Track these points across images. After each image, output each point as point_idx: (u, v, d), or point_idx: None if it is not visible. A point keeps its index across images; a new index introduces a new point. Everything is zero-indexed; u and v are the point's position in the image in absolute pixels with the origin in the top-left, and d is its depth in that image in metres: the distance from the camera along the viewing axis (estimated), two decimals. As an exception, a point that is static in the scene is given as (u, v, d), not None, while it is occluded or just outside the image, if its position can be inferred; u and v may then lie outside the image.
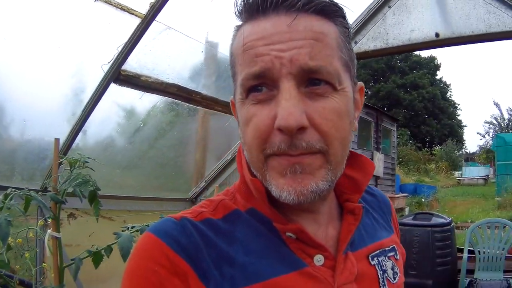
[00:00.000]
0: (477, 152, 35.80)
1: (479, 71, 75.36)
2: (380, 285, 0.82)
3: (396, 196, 14.63)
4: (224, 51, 3.21)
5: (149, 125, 3.26)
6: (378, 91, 34.66)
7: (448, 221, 5.66)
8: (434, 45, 3.09)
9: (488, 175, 24.29)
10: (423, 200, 15.85)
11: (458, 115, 41.48)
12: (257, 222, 0.77)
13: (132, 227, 1.90)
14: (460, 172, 26.44)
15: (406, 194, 16.31)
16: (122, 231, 1.84)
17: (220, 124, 3.65)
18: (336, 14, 0.74)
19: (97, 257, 1.84)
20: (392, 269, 0.87)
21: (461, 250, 5.43)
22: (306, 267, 0.74)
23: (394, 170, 17.94)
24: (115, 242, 1.75)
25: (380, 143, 16.34)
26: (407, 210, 13.71)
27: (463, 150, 39.11)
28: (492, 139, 30.38)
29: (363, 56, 3.23)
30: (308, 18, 0.70)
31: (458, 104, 41.61)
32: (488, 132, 33.75)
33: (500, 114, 33.14)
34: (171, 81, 2.80)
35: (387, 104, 33.35)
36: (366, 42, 3.16)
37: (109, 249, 1.85)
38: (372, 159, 14.66)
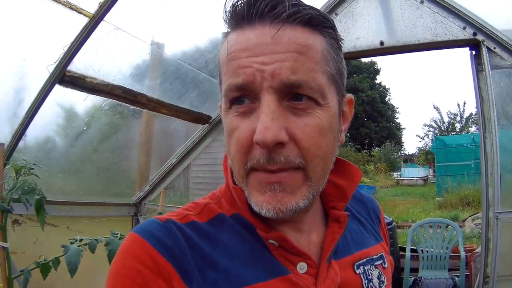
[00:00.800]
0: (416, 153, 36.62)
1: (419, 76, 77.70)
2: None
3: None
4: (170, 52, 3.17)
5: (92, 128, 3.17)
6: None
7: (389, 220, 5.69)
8: (378, 52, 3.18)
9: (427, 176, 25.00)
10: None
11: (397, 118, 42.54)
12: (241, 227, 0.77)
13: (81, 240, 1.89)
14: (399, 173, 26.91)
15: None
16: (71, 243, 1.84)
17: (164, 127, 3.61)
18: (324, 25, 0.72)
19: (45, 268, 1.84)
20: (379, 278, 0.86)
21: (403, 249, 5.52)
22: (288, 274, 0.74)
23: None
24: (63, 255, 1.75)
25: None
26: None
27: (402, 152, 40.00)
28: (431, 141, 31.45)
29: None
30: (293, 29, 0.68)
31: (397, 108, 42.89)
32: (427, 134, 34.73)
33: (440, 117, 34.07)
34: (116, 82, 2.73)
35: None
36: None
37: (57, 262, 1.86)
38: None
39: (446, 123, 33.86)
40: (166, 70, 3.20)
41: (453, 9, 2.77)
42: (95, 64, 2.69)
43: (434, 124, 34.41)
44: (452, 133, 30.74)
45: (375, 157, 30.21)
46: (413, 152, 39.49)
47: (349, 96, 0.82)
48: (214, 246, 0.73)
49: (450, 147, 18.41)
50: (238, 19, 0.71)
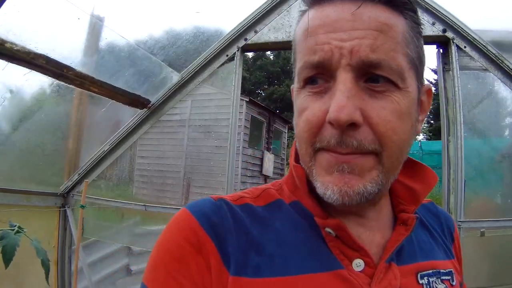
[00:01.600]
0: None
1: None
2: None
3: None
4: (110, 26, 2.79)
5: (12, 102, 2.73)
6: (272, 94, 35.22)
7: None
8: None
9: None
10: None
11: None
12: (298, 215, 0.75)
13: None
14: None
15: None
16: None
17: (98, 109, 3.19)
18: (406, 7, 0.69)
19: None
20: None
21: None
22: (341, 269, 0.70)
23: (283, 170, 18.25)
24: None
25: (271, 143, 16.56)
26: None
27: None
28: None
29: (262, 47, 2.98)
30: (374, 7, 0.66)
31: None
32: None
33: None
34: (39, 51, 2.31)
35: (280, 107, 33.89)
36: (267, 33, 2.91)
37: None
38: (262, 158, 14.95)
39: None
40: (102, 45, 2.83)
41: (422, 2, 2.55)
42: (15, 27, 2.27)
43: None
44: None
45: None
46: None
47: (428, 85, 0.78)
48: (265, 230, 0.71)
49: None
50: None
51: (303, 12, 0.73)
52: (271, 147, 16.56)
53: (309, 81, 0.69)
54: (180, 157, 3.39)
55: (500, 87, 2.51)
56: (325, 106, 0.65)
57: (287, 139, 19.61)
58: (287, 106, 35.36)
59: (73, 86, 2.54)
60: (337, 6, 0.67)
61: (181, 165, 3.33)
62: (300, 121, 0.69)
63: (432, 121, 30.33)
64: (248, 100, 13.69)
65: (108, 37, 2.81)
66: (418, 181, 0.80)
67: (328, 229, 0.71)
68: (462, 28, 2.48)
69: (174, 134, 3.38)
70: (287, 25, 2.88)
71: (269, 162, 15.50)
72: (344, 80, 0.64)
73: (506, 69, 2.45)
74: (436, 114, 28.92)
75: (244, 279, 0.66)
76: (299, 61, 0.70)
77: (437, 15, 2.53)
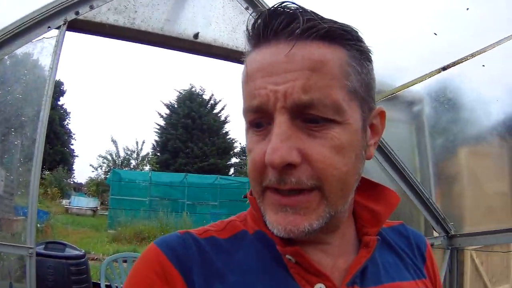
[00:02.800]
0: (86, 183, 35.86)
1: (101, 106, 78.03)
2: None
3: (15, 218, 12.98)
4: None
5: None
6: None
7: (82, 253, 5.56)
8: (189, 47, 2.56)
9: (97, 207, 24.89)
10: (38, 225, 14.46)
11: (72, 144, 41.72)
12: (261, 244, 0.77)
13: None
14: (68, 201, 26.10)
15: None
16: None
17: None
18: (344, 38, 0.70)
19: None
20: None
21: (97, 285, 5.26)
22: None
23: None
24: None
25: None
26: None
27: (72, 180, 39.22)
28: (104, 173, 31.97)
29: (97, 28, 2.37)
30: (308, 45, 0.68)
31: (74, 134, 41.99)
32: (101, 166, 34.65)
33: (116, 151, 34.74)
34: None
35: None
36: (106, 13, 2.34)
37: None
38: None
39: (122, 158, 34.77)
40: None
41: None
42: None
43: (109, 157, 34.85)
44: (126, 169, 31.72)
45: (46, 181, 27.96)
46: (83, 181, 38.87)
47: (380, 108, 0.80)
48: (229, 261, 0.74)
49: (127, 182, 19.29)
50: (256, 38, 0.71)
51: (247, 54, 0.74)
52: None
53: (253, 124, 0.71)
54: None
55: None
56: (266, 147, 0.67)
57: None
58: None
59: None
60: (272, 48, 0.68)
61: None
62: (249, 161, 0.72)
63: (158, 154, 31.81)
64: None
65: None
66: (380, 203, 0.83)
67: (288, 256, 0.73)
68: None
69: None
70: (131, 9, 2.38)
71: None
72: (279, 123, 0.66)
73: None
74: (162, 147, 30.51)
75: None
76: (243, 104, 0.72)
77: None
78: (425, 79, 2.26)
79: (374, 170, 2.74)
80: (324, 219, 0.69)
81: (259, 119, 0.70)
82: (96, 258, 9.39)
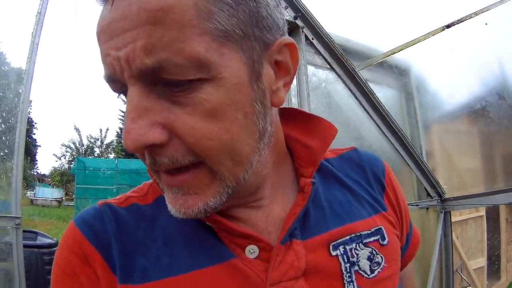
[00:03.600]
0: (50, 173, 35.51)
1: (62, 94, 76.39)
2: (345, 281, 0.66)
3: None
4: None
5: None
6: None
7: (54, 241, 5.31)
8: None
9: (62, 198, 24.69)
10: (4, 218, 14.28)
11: (34, 134, 40.87)
12: None
13: None
14: (33, 192, 25.86)
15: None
16: None
17: None
18: None
19: None
20: (370, 259, 0.70)
21: None
22: (233, 258, 0.64)
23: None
24: None
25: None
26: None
27: (36, 170, 38.68)
28: (68, 162, 31.44)
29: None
30: None
31: (36, 123, 41.03)
32: (64, 155, 34.40)
33: (79, 140, 34.51)
34: None
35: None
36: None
37: None
38: None
39: (85, 146, 34.56)
40: None
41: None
42: None
43: (72, 145, 34.47)
44: (91, 157, 31.45)
45: (9, 172, 27.35)
46: (46, 171, 38.56)
47: (284, 40, 0.62)
48: (151, 230, 0.67)
49: (92, 170, 18.85)
50: None
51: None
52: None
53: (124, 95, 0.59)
54: None
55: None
56: None
57: None
58: None
59: None
60: (109, 2, 0.54)
61: None
62: None
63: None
64: None
65: None
66: (315, 137, 0.72)
67: (208, 223, 0.65)
68: (313, 20, 2.34)
69: None
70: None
71: None
72: (130, 97, 0.54)
73: (349, 67, 2.44)
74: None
75: (131, 286, 0.62)
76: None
77: (291, 1, 2.33)
78: (429, 37, 2.16)
79: (372, 131, 2.69)
80: (224, 194, 0.59)
81: (120, 89, 0.58)
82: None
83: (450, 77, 2.66)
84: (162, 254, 0.64)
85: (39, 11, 1.95)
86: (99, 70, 0.59)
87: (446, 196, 3.11)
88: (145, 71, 0.51)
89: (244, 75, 0.57)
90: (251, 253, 0.63)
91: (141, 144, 0.52)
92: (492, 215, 5.92)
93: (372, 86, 2.55)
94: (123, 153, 29.79)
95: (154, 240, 0.65)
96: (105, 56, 0.54)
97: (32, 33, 1.94)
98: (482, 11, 1.86)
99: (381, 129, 2.66)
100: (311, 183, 0.68)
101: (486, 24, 1.95)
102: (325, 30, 2.38)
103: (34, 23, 1.95)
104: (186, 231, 0.65)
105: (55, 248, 5.16)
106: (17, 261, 1.85)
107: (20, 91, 2.04)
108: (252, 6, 0.56)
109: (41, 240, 5.25)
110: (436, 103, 2.90)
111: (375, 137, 2.67)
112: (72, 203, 20.18)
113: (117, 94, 0.60)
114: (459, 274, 3.74)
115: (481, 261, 5.41)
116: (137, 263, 0.63)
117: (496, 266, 6.07)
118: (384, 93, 2.75)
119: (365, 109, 2.57)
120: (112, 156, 31.67)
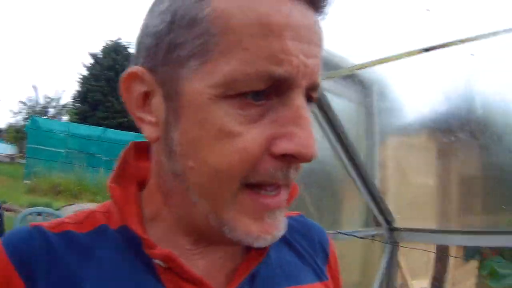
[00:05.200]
0: (6, 129, 33.92)
1: (24, 50, 73.52)
2: None
3: None
4: None
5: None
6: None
7: None
8: None
9: (15, 155, 24.28)
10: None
11: (-7, 87, 38.94)
12: (126, 244, 0.61)
13: None
14: None
15: None
16: None
17: None
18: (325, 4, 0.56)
19: None
20: None
21: None
22: None
23: None
24: None
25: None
26: None
27: None
28: (24, 120, 30.41)
29: None
30: (313, 13, 0.54)
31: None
32: (21, 111, 33.02)
33: (36, 97, 33.27)
34: None
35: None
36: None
37: None
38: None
39: (41, 105, 33.49)
40: None
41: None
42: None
43: (28, 103, 33.22)
44: (45, 117, 30.06)
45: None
46: (2, 126, 36.35)
47: None
48: (85, 262, 0.59)
49: (45, 131, 17.90)
50: None
51: None
52: None
53: (248, 94, 0.50)
54: None
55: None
56: (268, 131, 0.51)
57: None
58: None
59: None
60: (295, 3, 0.51)
61: None
62: (226, 148, 0.51)
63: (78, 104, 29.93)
64: None
65: None
66: None
67: (157, 261, 0.58)
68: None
69: None
70: None
71: None
72: (303, 106, 0.52)
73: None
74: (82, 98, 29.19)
75: None
76: (244, 64, 0.49)
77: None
78: (402, 58, 2.06)
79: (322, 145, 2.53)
80: None
81: (266, 88, 0.50)
82: (12, 210, 8.81)
83: (416, 100, 2.52)
84: None
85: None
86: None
87: (396, 225, 2.86)
88: (313, 87, 0.53)
89: None
90: None
91: (315, 156, 0.51)
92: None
93: (331, 97, 2.44)
94: (76, 117, 28.80)
95: (87, 273, 0.58)
96: (290, 55, 0.50)
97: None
98: (468, 39, 1.81)
99: (333, 144, 2.56)
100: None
101: (472, 55, 1.92)
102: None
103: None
104: (125, 269, 0.59)
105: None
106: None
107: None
108: None
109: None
110: (396, 121, 2.75)
111: (327, 155, 2.64)
112: (24, 161, 19.02)
113: (230, 95, 0.51)
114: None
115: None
116: None
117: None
118: (344, 106, 2.64)
119: (318, 122, 2.44)
120: (65, 118, 30.61)
